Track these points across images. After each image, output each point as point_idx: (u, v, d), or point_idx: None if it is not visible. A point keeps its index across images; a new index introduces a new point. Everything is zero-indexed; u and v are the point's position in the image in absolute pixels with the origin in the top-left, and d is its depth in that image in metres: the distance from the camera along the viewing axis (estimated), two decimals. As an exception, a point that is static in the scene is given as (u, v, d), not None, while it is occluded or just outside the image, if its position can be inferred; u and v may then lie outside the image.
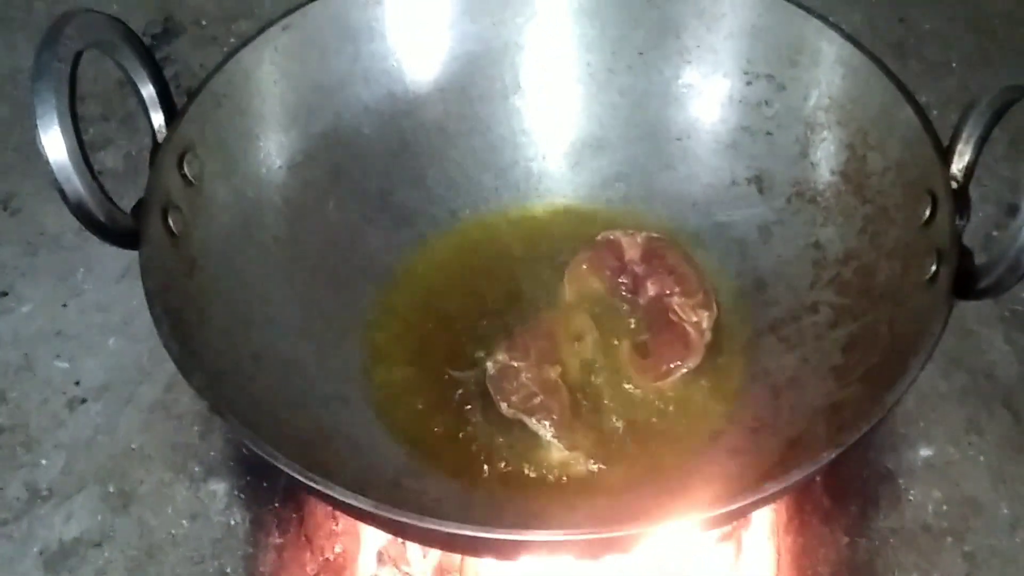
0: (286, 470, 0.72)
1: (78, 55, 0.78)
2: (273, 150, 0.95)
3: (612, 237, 0.97)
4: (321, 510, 0.92)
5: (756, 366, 0.92)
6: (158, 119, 0.87)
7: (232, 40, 1.25)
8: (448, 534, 0.70)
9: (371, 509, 0.71)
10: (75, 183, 0.77)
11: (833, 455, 0.72)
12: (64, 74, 0.77)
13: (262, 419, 0.80)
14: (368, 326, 0.95)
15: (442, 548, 0.89)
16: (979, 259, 0.95)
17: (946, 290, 0.78)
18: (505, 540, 0.70)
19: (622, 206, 1.03)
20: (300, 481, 0.72)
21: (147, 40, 1.24)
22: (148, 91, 0.87)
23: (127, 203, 0.79)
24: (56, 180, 0.76)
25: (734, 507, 0.71)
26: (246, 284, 0.90)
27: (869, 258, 0.90)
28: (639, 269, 0.95)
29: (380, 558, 0.93)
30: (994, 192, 1.06)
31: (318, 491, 0.72)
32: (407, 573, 0.94)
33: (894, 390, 0.74)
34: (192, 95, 0.88)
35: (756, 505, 0.73)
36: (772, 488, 0.71)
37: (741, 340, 0.94)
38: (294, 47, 0.95)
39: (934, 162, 0.83)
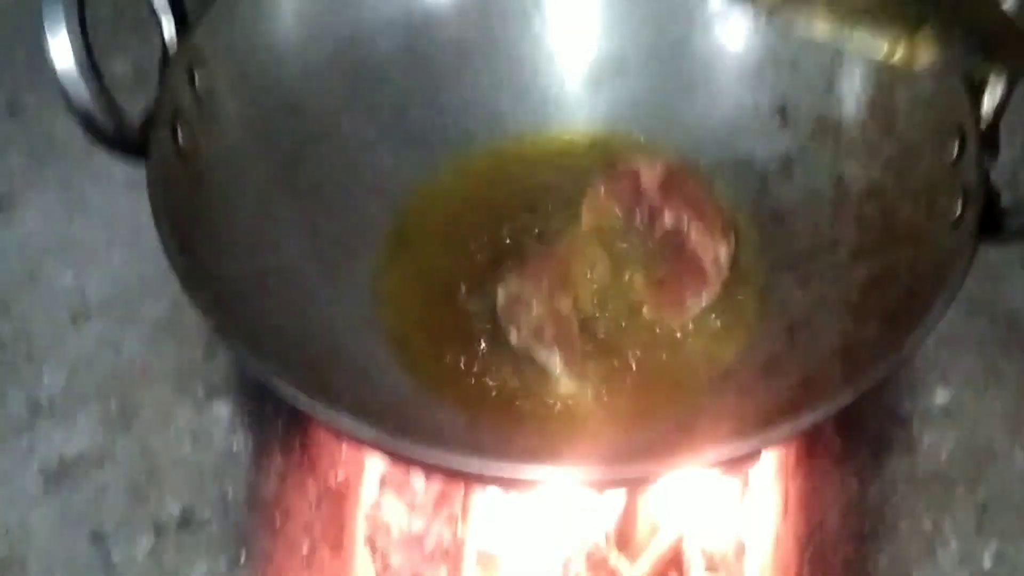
0: (289, 396, 0.71)
1: (87, -41, 0.76)
2: (287, 62, 0.92)
3: (631, 166, 0.95)
4: (325, 437, 0.91)
5: (771, 303, 0.90)
6: (168, 28, 0.85)
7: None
8: (451, 465, 0.70)
9: (375, 438, 0.70)
10: (82, 92, 0.75)
11: (847, 400, 0.70)
12: (73, -24, 0.75)
13: (267, 342, 0.79)
14: (378, 250, 0.93)
15: (446, 477, 0.88)
16: (1005, 199, 0.94)
17: (971, 232, 0.76)
18: (508, 474, 0.69)
19: (642, 133, 1.00)
20: (303, 407, 0.71)
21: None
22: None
23: (135, 113, 0.77)
24: (63, 88, 0.75)
25: (743, 449, 0.70)
26: (254, 201, 0.88)
27: (893, 196, 0.87)
28: (656, 200, 0.93)
29: (382, 485, 0.92)
30: (1022, 129, 1.03)
31: (321, 417, 0.71)
32: (410, 500, 0.93)
33: (915, 333, 0.72)
34: (204, 4, 0.86)
35: (765, 447, 0.72)
36: (783, 430, 0.70)
37: (757, 276, 0.92)
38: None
39: (963, 98, 0.81)
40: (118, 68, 1.10)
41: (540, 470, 0.69)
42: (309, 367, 0.81)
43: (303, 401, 0.71)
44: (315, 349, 0.84)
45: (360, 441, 0.73)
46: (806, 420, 0.70)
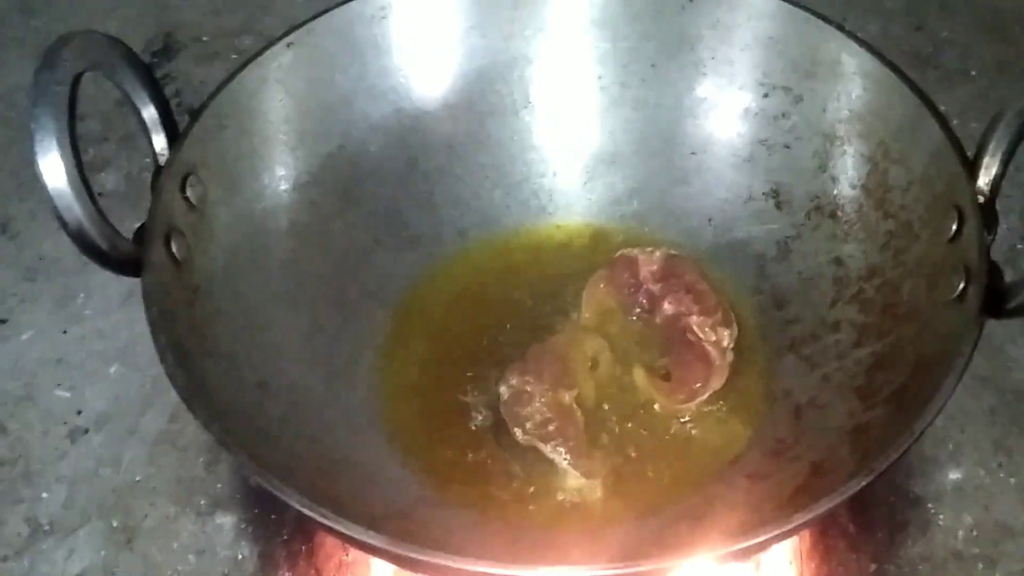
0: (295, 504, 0.70)
1: (77, 78, 0.76)
2: (278, 171, 0.92)
3: (629, 255, 0.95)
4: (331, 542, 0.89)
5: (776, 387, 0.89)
6: (159, 142, 0.84)
7: (234, 56, 1.23)
8: (462, 569, 0.68)
9: (383, 545, 0.68)
10: (75, 210, 0.74)
11: (861, 484, 0.69)
12: (63, 97, 0.74)
13: (269, 450, 0.78)
14: (378, 351, 0.93)
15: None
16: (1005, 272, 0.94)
17: (976, 309, 0.75)
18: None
19: (636, 223, 1.00)
20: (309, 515, 0.70)
21: (147, 58, 1.22)
22: (149, 113, 0.84)
23: (128, 227, 0.77)
24: (55, 207, 0.74)
25: (757, 540, 0.68)
26: (251, 310, 0.87)
27: (893, 275, 0.87)
28: (656, 288, 0.93)
29: (391, 589, 0.91)
30: (1018, 203, 1.03)
31: (328, 526, 0.70)
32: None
33: (923, 415, 0.71)
34: (194, 116, 0.86)
35: (780, 537, 0.70)
36: (797, 520, 0.69)
37: (761, 360, 0.91)
38: (298, 65, 0.92)
39: (960, 176, 0.81)
40: (109, 182, 1.11)
41: (551, 572, 0.67)
42: (313, 474, 0.80)
43: (309, 508, 0.69)
44: (319, 455, 0.83)
45: (367, 548, 0.72)
46: (821, 508, 0.69)
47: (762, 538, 0.68)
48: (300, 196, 0.94)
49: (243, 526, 0.89)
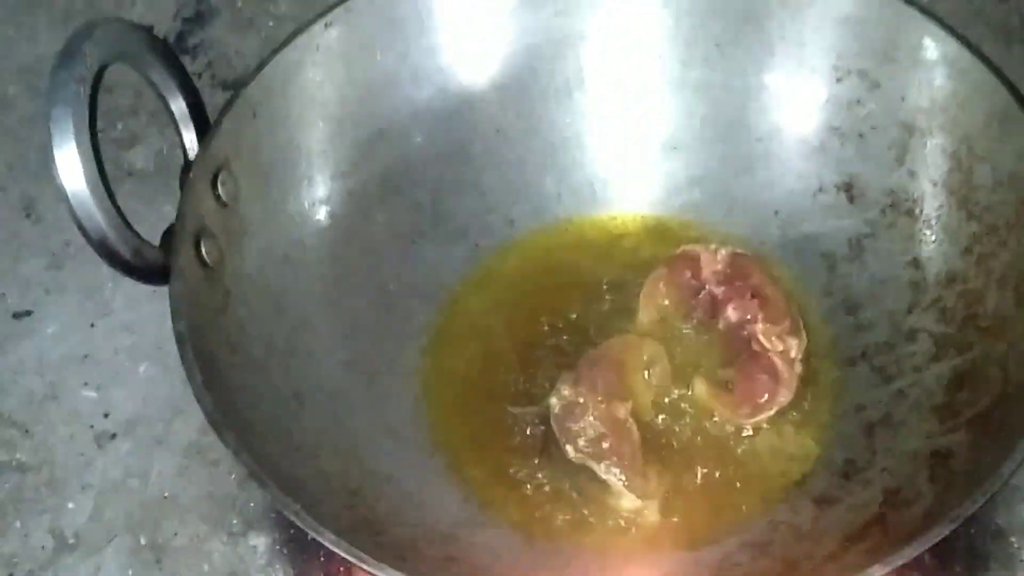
0: (329, 545, 0.66)
1: (100, 72, 0.71)
2: (316, 161, 0.87)
3: (691, 252, 0.89)
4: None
5: (847, 400, 0.84)
6: (189, 136, 0.80)
7: (270, 24, 1.16)
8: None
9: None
10: (96, 218, 0.70)
11: (941, 534, 0.64)
12: (83, 95, 0.69)
13: (305, 472, 0.75)
14: (421, 353, 0.88)
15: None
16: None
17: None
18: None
19: (697, 215, 0.94)
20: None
21: (178, 25, 1.16)
22: (179, 105, 0.80)
23: (156, 210, 0.72)
24: (75, 215, 0.69)
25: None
26: (286, 313, 0.83)
27: (976, 283, 0.81)
28: (719, 291, 0.86)
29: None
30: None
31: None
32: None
33: (1012, 455, 0.66)
34: (225, 107, 0.81)
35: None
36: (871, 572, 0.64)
37: (831, 370, 0.85)
38: (337, 46, 0.86)
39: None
40: (139, 160, 1.05)
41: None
42: (351, 494, 0.76)
43: (345, 551, 0.65)
44: (358, 471, 0.79)
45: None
46: (892, 562, 0.64)
47: None
48: (338, 187, 0.88)
49: (277, 547, 0.84)
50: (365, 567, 0.65)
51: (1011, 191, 0.79)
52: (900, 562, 0.64)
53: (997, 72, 0.80)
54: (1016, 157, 0.79)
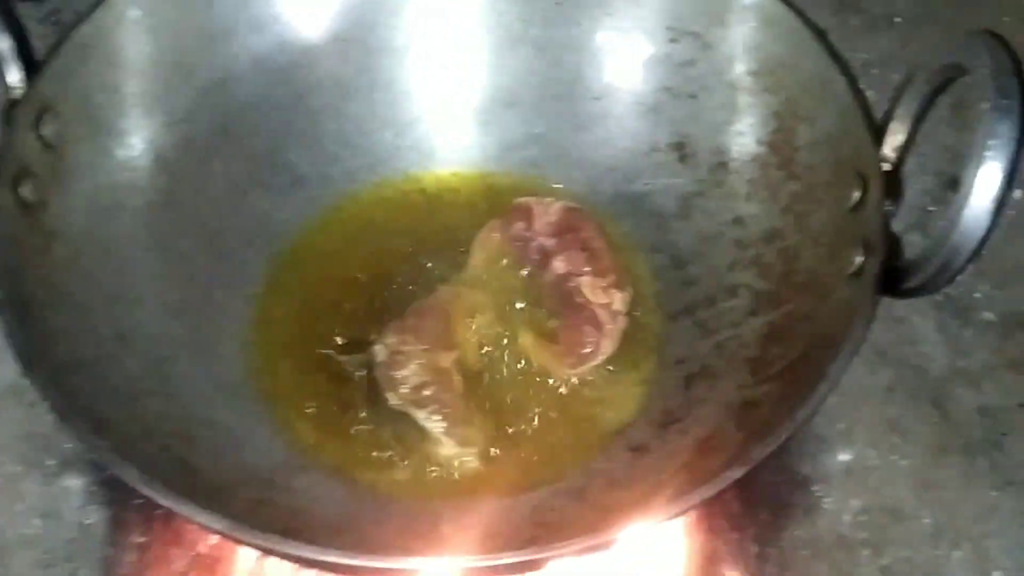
0: (133, 483, 0.66)
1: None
2: (149, 107, 0.86)
3: (525, 204, 0.90)
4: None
5: (669, 353, 0.85)
6: (14, 75, 0.78)
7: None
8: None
9: (226, 530, 0.65)
10: None
11: (745, 468, 0.66)
12: None
13: (121, 413, 0.74)
14: (252, 302, 0.88)
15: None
16: (913, 237, 0.90)
17: (870, 287, 0.72)
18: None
19: (535, 171, 0.95)
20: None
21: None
22: (4, 42, 0.78)
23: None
24: None
25: (639, 525, 0.65)
26: (114, 257, 0.82)
27: (793, 240, 0.83)
28: (549, 243, 0.87)
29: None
30: (933, 162, 0.98)
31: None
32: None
33: (806, 403, 0.68)
34: (53, 47, 0.80)
35: (661, 520, 0.67)
36: (680, 504, 0.66)
37: (656, 323, 0.87)
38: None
39: (866, 141, 0.77)
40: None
41: (412, 562, 0.64)
42: (168, 435, 0.75)
43: (147, 486, 0.65)
44: (179, 413, 0.78)
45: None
46: (703, 493, 0.66)
47: (643, 526, 0.65)
48: (173, 133, 0.87)
49: (93, 489, 0.84)
50: (167, 503, 0.65)
51: (829, 151, 0.81)
52: (691, 504, 0.66)
53: (817, 32, 0.82)
54: (834, 118, 0.80)
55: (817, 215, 0.81)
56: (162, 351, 0.81)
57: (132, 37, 0.84)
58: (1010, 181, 0.66)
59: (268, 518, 0.72)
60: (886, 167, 0.76)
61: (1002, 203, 0.66)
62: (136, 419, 0.75)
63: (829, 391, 0.68)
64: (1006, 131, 0.65)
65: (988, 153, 0.65)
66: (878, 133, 0.77)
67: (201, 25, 0.88)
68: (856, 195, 0.76)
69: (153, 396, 0.78)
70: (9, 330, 0.69)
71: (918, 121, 0.76)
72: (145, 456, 0.70)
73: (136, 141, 0.85)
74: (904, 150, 0.76)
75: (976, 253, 0.68)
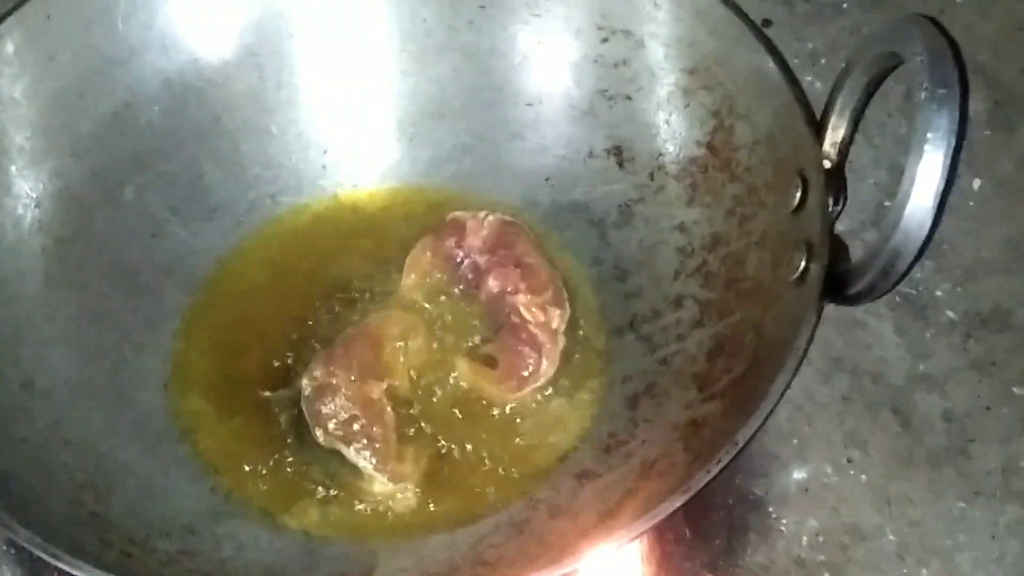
0: (26, 544, 0.62)
1: None
2: (50, 137, 0.82)
3: (459, 219, 0.85)
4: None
5: (614, 371, 0.81)
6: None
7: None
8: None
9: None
10: None
11: (673, 506, 0.62)
12: None
13: (25, 465, 0.70)
14: (172, 337, 0.84)
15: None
16: (869, 235, 0.86)
17: (815, 293, 0.67)
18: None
19: (469, 183, 0.90)
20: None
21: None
22: None
23: None
24: None
25: (583, 555, 0.62)
26: (18, 298, 0.78)
27: (737, 246, 0.79)
28: (482, 260, 0.83)
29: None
30: (887, 154, 0.94)
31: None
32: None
33: (748, 423, 0.64)
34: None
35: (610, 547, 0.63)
36: (627, 532, 0.62)
37: (598, 340, 0.83)
38: (71, 11, 0.81)
39: (805, 138, 0.72)
40: None
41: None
42: (79, 488, 0.72)
43: (41, 548, 0.62)
44: (91, 463, 0.74)
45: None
46: (643, 524, 0.62)
47: (588, 555, 0.62)
48: (79, 163, 0.83)
49: (3, 548, 0.79)
50: (63, 566, 0.61)
51: (769, 150, 0.77)
52: (637, 534, 0.62)
53: (752, 25, 0.78)
54: (773, 115, 0.76)
55: (760, 218, 0.77)
56: (73, 397, 0.78)
57: (25, 64, 0.80)
58: (951, 175, 0.62)
59: (190, 571, 0.69)
60: (827, 165, 0.72)
61: (944, 198, 0.62)
62: (43, 473, 0.71)
63: (772, 409, 0.63)
64: (944, 123, 0.61)
65: (927, 147, 0.61)
66: (818, 130, 0.73)
67: (104, 48, 0.84)
68: (797, 196, 0.72)
69: (64, 445, 0.74)
70: None
71: (859, 114, 0.72)
72: (53, 511, 0.67)
73: (35, 176, 0.81)
74: (846, 146, 0.72)
75: (922, 253, 0.63)
